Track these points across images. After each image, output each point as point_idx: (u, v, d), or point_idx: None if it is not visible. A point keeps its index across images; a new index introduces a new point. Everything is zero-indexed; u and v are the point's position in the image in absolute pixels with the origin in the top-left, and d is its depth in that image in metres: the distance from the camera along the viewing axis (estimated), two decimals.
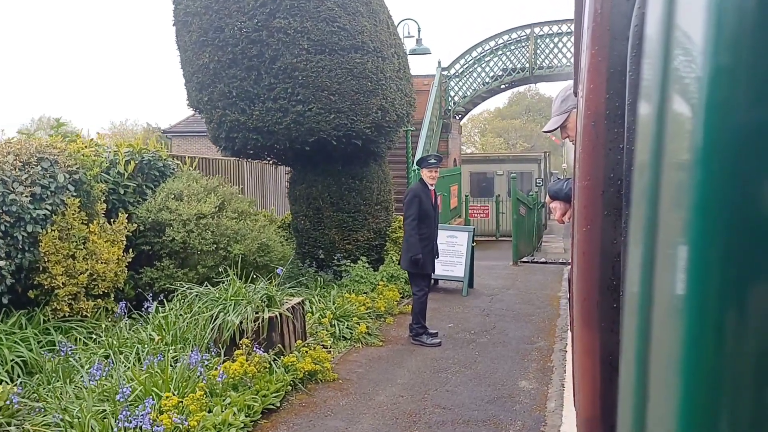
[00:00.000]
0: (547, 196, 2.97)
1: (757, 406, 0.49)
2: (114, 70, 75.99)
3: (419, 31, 15.34)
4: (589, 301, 1.05)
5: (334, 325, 6.66)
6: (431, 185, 6.92)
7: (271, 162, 9.74)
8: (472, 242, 9.36)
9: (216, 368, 4.86)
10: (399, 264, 7.13)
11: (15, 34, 72.58)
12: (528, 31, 19.43)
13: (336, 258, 8.80)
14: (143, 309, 6.79)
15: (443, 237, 9.37)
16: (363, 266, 8.65)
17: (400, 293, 8.45)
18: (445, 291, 9.44)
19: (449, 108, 19.19)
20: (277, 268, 7.99)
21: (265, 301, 5.59)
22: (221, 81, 8.04)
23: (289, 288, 8.39)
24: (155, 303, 6.61)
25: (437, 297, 9.01)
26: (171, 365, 4.95)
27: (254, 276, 6.28)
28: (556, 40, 19.33)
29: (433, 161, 6.93)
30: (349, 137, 8.09)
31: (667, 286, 0.57)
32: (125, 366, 5.08)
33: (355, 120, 8.01)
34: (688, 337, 0.52)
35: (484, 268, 11.83)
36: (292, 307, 5.80)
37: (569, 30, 18.93)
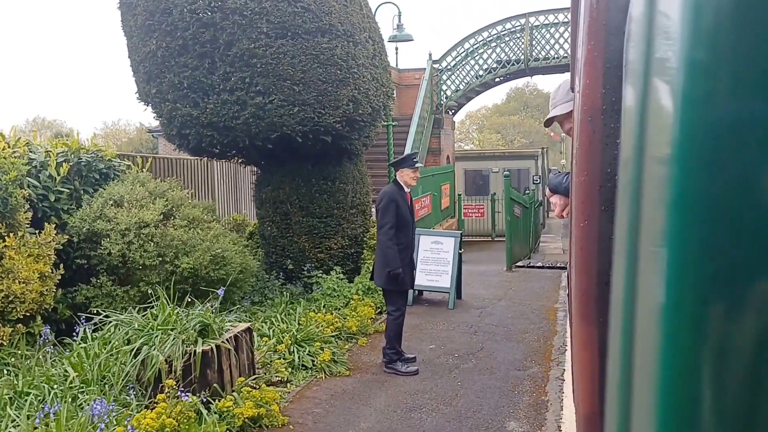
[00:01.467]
0: (547, 190, 2.84)
1: (733, 398, 0.50)
2: (108, 71, 74.97)
3: (400, 15, 14.31)
4: (587, 296, 1.07)
5: (294, 351, 5.70)
6: (410, 187, 5.96)
7: (238, 161, 8.78)
8: (460, 248, 8.41)
9: (127, 420, 3.91)
10: (371, 279, 6.15)
11: (9, 36, 71.49)
12: (523, 20, 18.52)
13: (306, 269, 7.85)
14: (76, 334, 5.85)
15: (427, 243, 8.44)
16: (336, 277, 7.71)
17: (377, 308, 7.50)
18: (429, 303, 8.49)
19: (441, 103, 18.26)
20: (238, 282, 7.06)
21: (198, 331, 4.64)
22: (170, 70, 7.09)
23: (252, 305, 7.48)
24: (83, 328, 5.65)
25: (420, 311, 8.06)
26: (74, 415, 4.00)
27: (190, 299, 5.33)
28: (552, 30, 18.43)
29: (417, 160, 5.98)
30: (316, 133, 7.14)
31: (650, 281, 0.58)
32: (21, 414, 4.12)
33: (323, 113, 7.05)
34: (667, 329, 0.52)
35: (476, 274, 10.88)
36: (236, 335, 4.85)
37: (566, 20, 18.02)
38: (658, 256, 0.55)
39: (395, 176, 5.96)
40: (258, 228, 8.46)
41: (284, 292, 7.72)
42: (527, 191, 18.25)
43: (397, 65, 20.78)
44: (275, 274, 7.96)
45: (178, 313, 4.81)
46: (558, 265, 12.06)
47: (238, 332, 4.90)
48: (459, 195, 17.07)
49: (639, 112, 0.64)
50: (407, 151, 14.50)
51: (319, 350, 5.76)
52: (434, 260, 8.37)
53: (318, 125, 7.06)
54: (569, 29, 18.10)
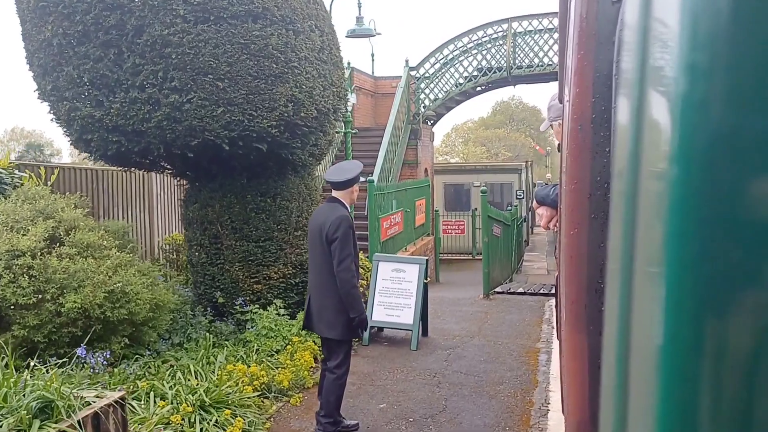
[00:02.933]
0: (534, 201, 2.80)
1: (732, 405, 0.50)
2: None
3: (360, 6, 13.01)
4: (577, 304, 1.07)
5: (196, 421, 4.38)
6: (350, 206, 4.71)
7: (169, 173, 7.48)
8: (425, 278, 7.14)
9: None
10: (304, 328, 4.81)
11: None
12: (505, 26, 17.47)
13: (239, 303, 6.53)
14: None
15: (387, 271, 7.18)
16: (275, 313, 6.40)
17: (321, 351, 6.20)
18: (389, 343, 7.20)
19: (419, 112, 17.08)
20: (150, 321, 5.77)
21: (38, 409, 3.32)
22: (69, 62, 5.80)
23: (172, 347, 6.17)
24: None
25: (377, 353, 6.77)
26: None
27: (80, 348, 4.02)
28: (536, 37, 17.40)
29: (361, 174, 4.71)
30: (247, 139, 5.86)
31: (647, 290, 0.58)
32: None
33: (255, 115, 5.79)
34: (666, 339, 0.52)
35: (448, 302, 9.61)
36: (96, 413, 3.53)
37: (551, 26, 17.01)
38: (655, 264, 0.54)
39: (334, 194, 4.69)
40: (187, 253, 7.15)
41: (211, 332, 6.42)
42: (509, 207, 17.05)
43: (373, 73, 19.66)
44: (202, 309, 6.64)
45: (15, 381, 3.49)
46: (541, 291, 10.83)
47: (104, 406, 3.59)
48: (436, 211, 15.84)
49: (634, 122, 0.63)
50: (378, 164, 13.27)
51: (230, 419, 4.44)
52: (395, 291, 7.09)
53: (249, 130, 5.79)
54: (554, 36, 17.02)
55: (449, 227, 19.81)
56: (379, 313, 7.04)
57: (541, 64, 17.13)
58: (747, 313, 0.50)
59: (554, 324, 8.22)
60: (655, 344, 0.54)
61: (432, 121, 18.73)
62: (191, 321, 6.48)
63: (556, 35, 16.82)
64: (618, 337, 0.68)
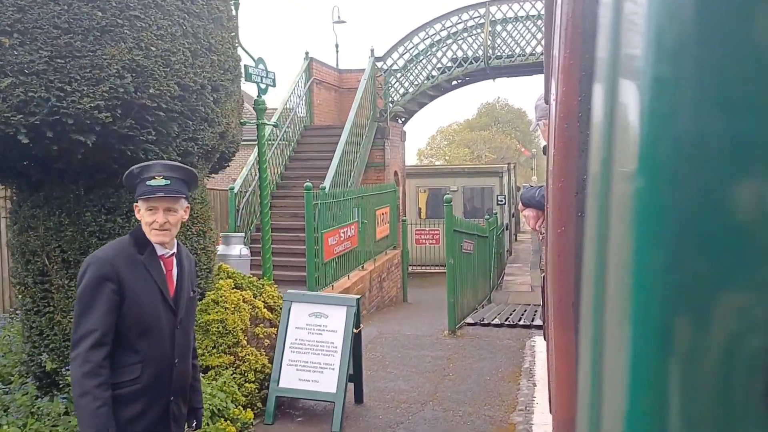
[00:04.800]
0: (520, 204, 2.84)
1: (699, 406, 0.50)
2: None
3: None
4: (565, 303, 1.07)
5: None
6: (164, 244, 2.60)
7: None
8: (355, 326, 5.10)
9: None
10: None
11: None
12: (482, 11, 15.58)
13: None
14: None
15: (302, 316, 5.14)
16: None
17: None
18: (304, 417, 5.12)
19: (387, 108, 15.09)
20: None
21: None
22: None
23: None
24: None
25: None
26: None
27: None
28: (517, 24, 15.51)
29: (154, 182, 2.59)
30: (60, 128, 3.80)
31: (618, 293, 0.57)
32: None
33: (69, 91, 3.73)
34: (634, 342, 0.52)
35: (403, 343, 7.57)
36: None
37: (533, 12, 15.13)
38: (625, 268, 0.53)
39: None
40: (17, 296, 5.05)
41: (35, 414, 4.35)
42: (488, 216, 15.04)
43: (337, 65, 17.66)
44: (23, 378, 4.55)
45: None
46: (521, 320, 8.81)
47: None
48: (404, 220, 13.82)
49: (606, 118, 0.60)
50: (332, 167, 11.20)
51: None
52: (312, 346, 5.03)
53: (60, 113, 3.72)
54: (536, 23, 15.00)
55: (423, 237, 17.80)
56: (290, 377, 4.98)
57: (522, 53, 15.29)
58: (713, 315, 0.49)
59: (542, 334, 6.31)
60: (625, 351, 0.52)
61: (403, 119, 16.76)
62: (3, 398, 4.40)
63: (539, 22, 14.98)
64: (592, 342, 0.66)
